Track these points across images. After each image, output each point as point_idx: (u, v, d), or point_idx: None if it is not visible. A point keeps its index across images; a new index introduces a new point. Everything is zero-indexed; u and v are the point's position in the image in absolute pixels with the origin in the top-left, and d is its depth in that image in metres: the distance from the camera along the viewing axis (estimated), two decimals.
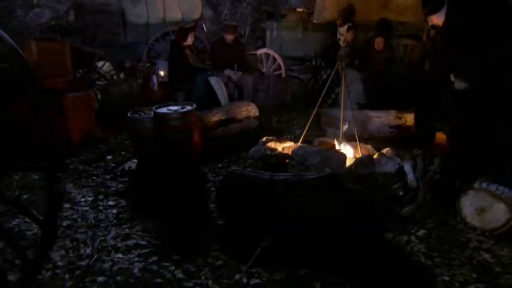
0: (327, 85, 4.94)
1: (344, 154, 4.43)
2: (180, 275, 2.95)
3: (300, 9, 8.32)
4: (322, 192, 3.22)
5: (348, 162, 4.38)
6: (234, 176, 3.56)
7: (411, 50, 7.13)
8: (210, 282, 2.85)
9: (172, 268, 3.02)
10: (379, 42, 6.97)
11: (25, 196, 4.19)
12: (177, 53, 6.64)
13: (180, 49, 6.65)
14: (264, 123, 6.27)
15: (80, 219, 3.79)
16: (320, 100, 4.83)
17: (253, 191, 3.37)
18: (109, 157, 5.24)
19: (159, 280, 2.89)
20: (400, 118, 5.60)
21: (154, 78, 6.92)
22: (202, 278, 2.90)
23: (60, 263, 3.11)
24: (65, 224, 3.69)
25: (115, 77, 8.10)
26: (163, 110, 4.40)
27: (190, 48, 6.80)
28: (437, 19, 4.05)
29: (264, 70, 8.05)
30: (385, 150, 4.72)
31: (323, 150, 4.46)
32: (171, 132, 4.32)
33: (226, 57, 7.10)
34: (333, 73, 4.97)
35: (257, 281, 2.87)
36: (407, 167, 4.26)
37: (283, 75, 7.84)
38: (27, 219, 3.65)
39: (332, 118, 5.73)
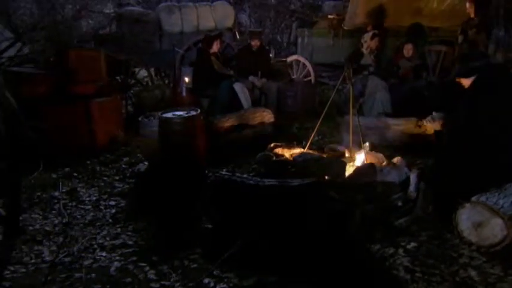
0: (333, 93, 4.84)
1: (344, 162, 4.30)
2: (152, 275, 3.00)
3: (331, 16, 8.21)
4: (303, 200, 3.16)
5: (350, 171, 4.26)
6: (221, 180, 3.58)
7: (444, 57, 6.79)
8: (177, 285, 2.88)
9: (147, 269, 3.08)
10: (408, 49, 6.68)
11: (38, 194, 4.45)
12: (202, 60, 6.78)
13: (205, 56, 6.77)
14: (283, 130, 6.24)
15: (79, 216, 3.98)
16: (326, 109, 4.74)
17: (238, 195, 3.37)
18: (125, 159, 5.43)
19: (129, 280, 2.95)
20: (419, 127, 5.36)
21: (182, 84, 7.10)
22: (171, 280, 2.94)
23: (47, 258, 3.27)
24: (64, 221, 3.88)
25: (150, 83, 8.42)
26: (169, 114, 4.52)
27: (215, 55, 6.91)
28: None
29: (294, 77, 8.02)
30: (395, 160, 4.54)
31: (322, 157, 4.37)
32: (174, 136, 4.43)
33: (251, 64, 7.14)
34: (339, 82, 4.84)
35: (224, 286, 2.86)
36: (412, 177, 4.08)
37: (313, 81, 7.77)
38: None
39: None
